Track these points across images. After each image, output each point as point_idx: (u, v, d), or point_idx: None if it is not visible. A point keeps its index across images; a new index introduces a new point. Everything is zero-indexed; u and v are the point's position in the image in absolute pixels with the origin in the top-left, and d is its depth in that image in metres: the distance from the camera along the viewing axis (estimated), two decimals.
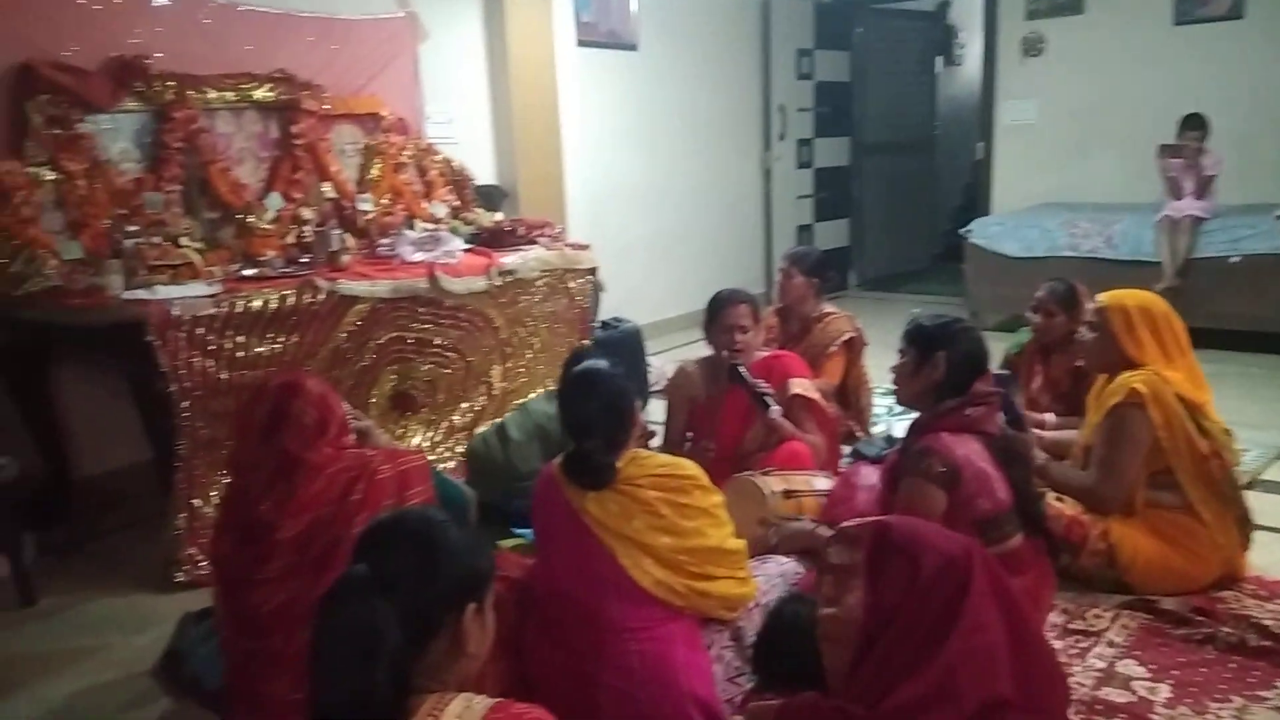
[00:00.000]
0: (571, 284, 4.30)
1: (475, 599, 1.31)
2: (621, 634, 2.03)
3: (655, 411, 4.00)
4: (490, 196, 5.01)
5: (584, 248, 4.37)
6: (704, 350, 3.33)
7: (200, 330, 3.02)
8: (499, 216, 4.64)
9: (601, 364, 2.27)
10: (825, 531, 2.45)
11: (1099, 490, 2.71)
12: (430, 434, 3.89)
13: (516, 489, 3.12)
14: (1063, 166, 6.88)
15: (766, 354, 3.34)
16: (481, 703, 1.24)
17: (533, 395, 4.07)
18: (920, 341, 2.42)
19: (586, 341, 4.41)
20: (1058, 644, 2.46)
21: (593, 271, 4.39)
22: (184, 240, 3.44)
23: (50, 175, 3.32)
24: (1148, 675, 2.31)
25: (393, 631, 1.19)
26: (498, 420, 3.70)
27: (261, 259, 3.62)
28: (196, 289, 3.14)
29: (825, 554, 1.58)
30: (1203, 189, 5.54)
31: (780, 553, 2.50)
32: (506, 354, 4.10)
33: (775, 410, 3.05)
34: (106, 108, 3.51)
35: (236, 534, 2.11)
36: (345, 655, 1.19)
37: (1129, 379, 2.68)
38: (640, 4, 6.14)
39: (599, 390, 2.17)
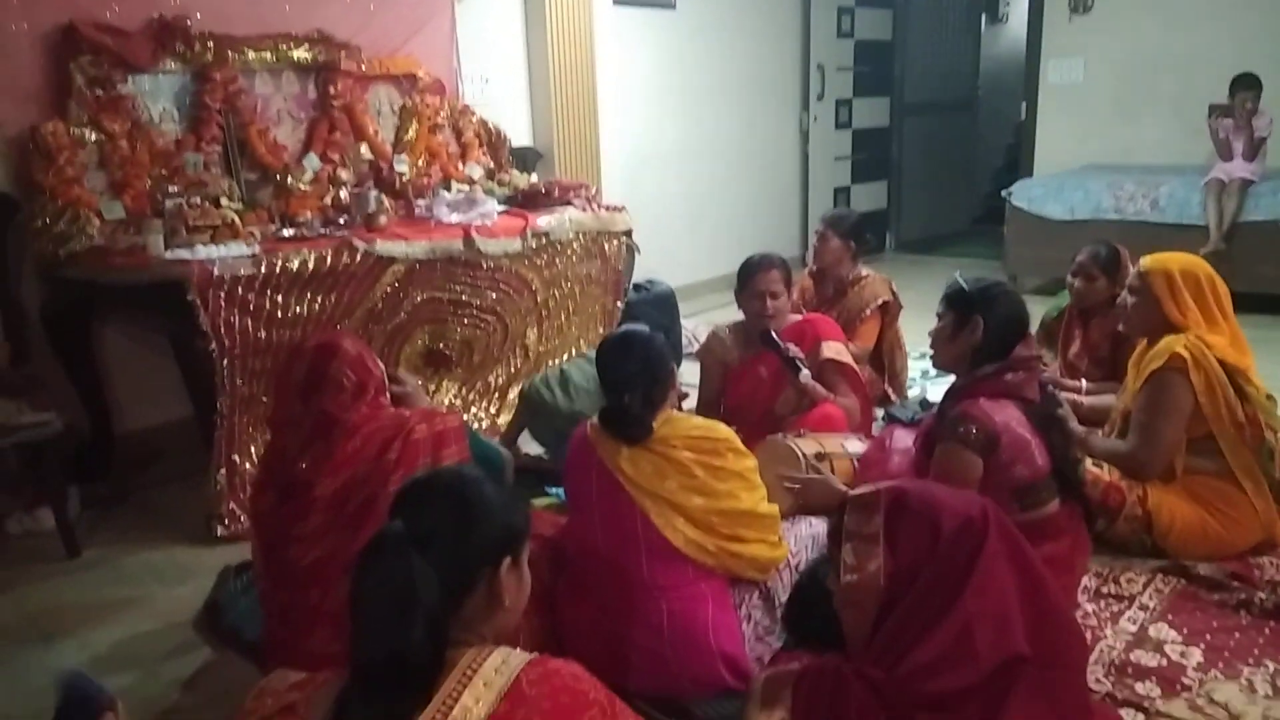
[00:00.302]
0: (606, 246, 4.29)
1: (511, 553, 1.33)
2: (652, 592, 2.06)
3: (688, 374, 4.00)
4: (525, 158, 5.00)
5: (619, 210, 4.36)
6: (737, 314, 3.32)
7: (240, 290, 3.06)
8: (534, 178, 4.63)
9: (642, 327, 2.30)
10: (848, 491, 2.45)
11: (1139, 456, 2.68)
12: (465, 392, 3.93)
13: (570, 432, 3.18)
14: (1109, 127, 6.72)
15: (799, 318, 3.33)
16: (519, 657, 1.26)
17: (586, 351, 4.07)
18: (959, 304, 2.39)
19: (620, 304, 4.42)
20: (1089, 606, 2.45)
21: (628, 233, 4.38)
22: (223, 201, 3.48)
23: (92, 136, 3.37)
24: (1180, 639, 2.30)
25: (430, 586, 1.21)
26: (557, 367, 3.70)
27: (299, 220, 3.65)
28: (236, 249, 3.17)
29: (841, 521, 1.58)
30: (1253, 151, 5.40)
31: (808, 511, 2.50)
32: (542, 316, 4.11)
33: (806, 374, 3.05)
34: (147, 68, 3.55)
35: (275, 491, 2.16)
36: (384, 610, 1.21)
37: (1171, 343, 2.64)
38: None
39: (637, 351, 2.19)
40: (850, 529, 1.57)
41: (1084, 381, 3.42)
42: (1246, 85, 5.43)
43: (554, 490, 3.08)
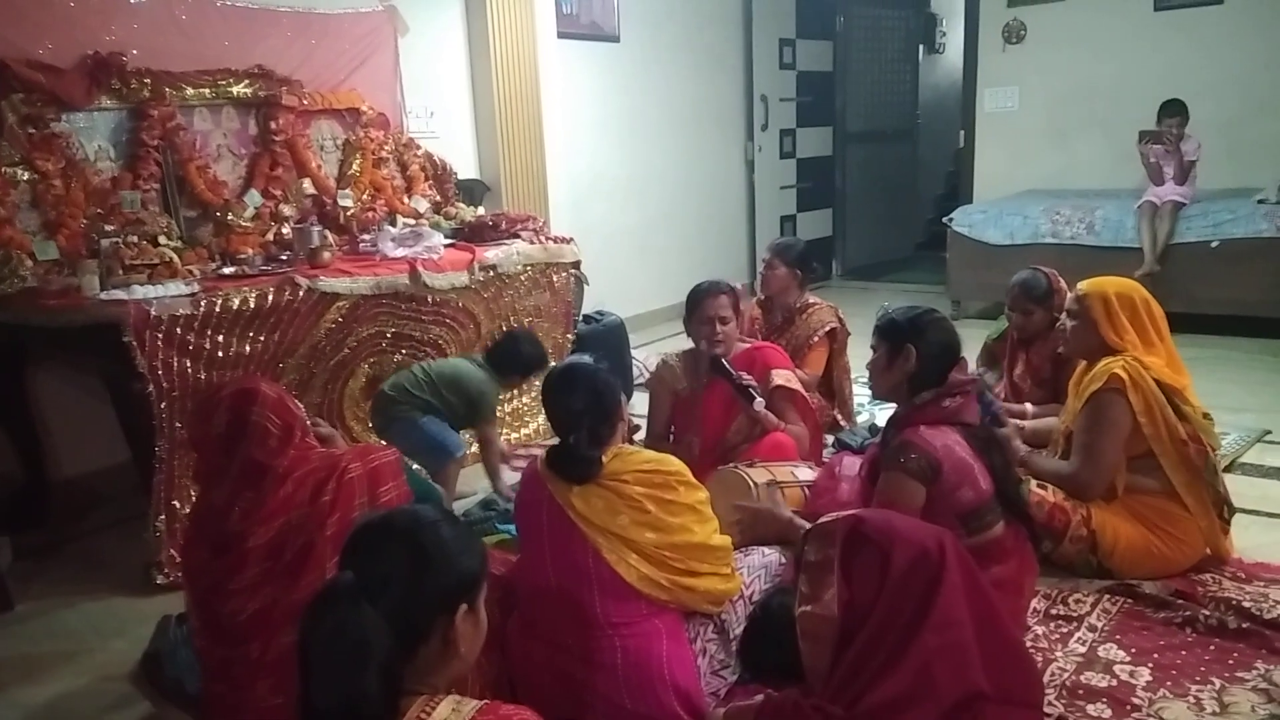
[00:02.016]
0: (555, 278, 4.28)
1: (467, 600, 1.30)
2: (605, 630, 2.03)
3: (638, 405, 3.99)
4: (472, 191, 4.99)
5: (567, 241, 4.36)
6: (688, 343, 3.33)
7: (178, 330, 2.99)
8: (481, 211, 4.62)
9: (587, 359, 2.28)
10: (803, 524, 2.45)
11: (1081, 476, 2.72)
12: None
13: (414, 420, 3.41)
14: (1044, 153, 6.90)
15: (748, 345, 3.35)
16: (469, 705, 1.23)
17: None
18: (891, 335, 2.41)
19: (570, 335, 4.40)
20: (1039, 629, 2.48)
21: (576, 265, 4.38)
22: (161, 239, 3.42)
23: (25, 175, 3.29)
24: (1128, 659, 2.32)
25: (383, 638, 1.18)
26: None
27: (241, 257, 3.60)
28: (174, 288, 3.11)
29: (802, 551, 1.58)
30: (1184, 174, 5.56)
31: (758, 541, 2.50)
32: (487, 349, 4.07)
33: (758, 402, 3.06)
34: (82, 106, 3.49)
35: (207, 545, 2.10)
36: (335, 663, 1.17)
37: (1109, 365, 2.70)
38: None
39: (584, 385, 2.17)
40: (808, 559, 1.56)
41: (1028, 405, 3.46)
42: (1173, 111, 5.60)
43: (504, 527, 3.05)
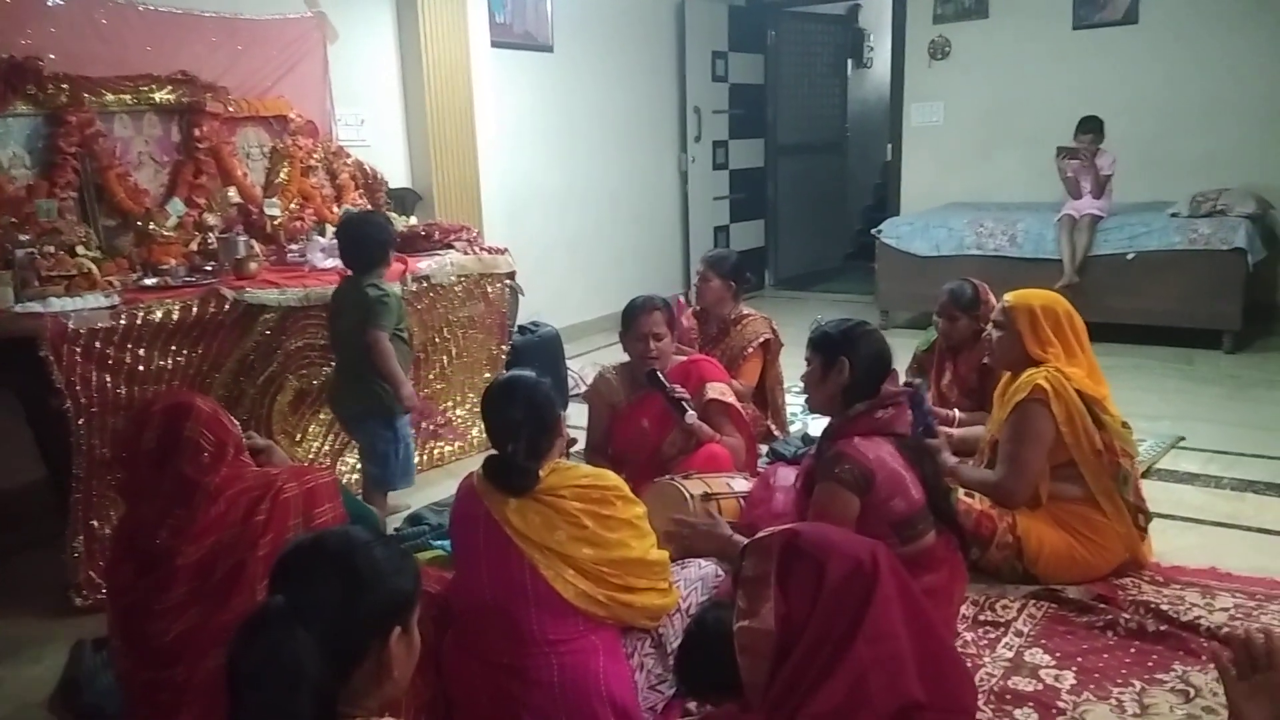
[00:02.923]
0: (489, 289, 4.25)
1: (400, 622, 1.28)
2: (542, 646, 2.02)
3: (573, 416, 3.98)
4: (404, 200, 4.93)
5: (501, 252, 4.33)
6: (623, 354, 3.33)
7: (97, 344, 2.90)
8: (413, 221, 4.56)
9: (528, 372, 2.27)
10: (740, 540, 2.47)
11: (1006, 484, 2.79)
12: (333, 440, 3.79)
13: None
14: (969, 167, 7.08)
15: (684, 359, 3.36)
16: None
17: None
18: (824, 347, 2.46)
19: (505, 347, 4.38)
20: (968, 635, 2.53)
21: (510, 276, 4.35)
22: (80, 249, 3.30)
23: None
24: (1053, 663, 2.39)
25: (315, 663, 1.16)
26: None
27: (163, 268, 3.49)
28: (93, 300, 3.01)
29: (740, 566, 1.59)
30: (1100, 189, 5.75)
31: (695, 554, 2.51)
32: (419, 360, 4.02)
33: (692, 415, 3.08)
34: None
35: (133, 563, 2.03)
36: (267, 689, 1.15)
37: (1032, 376, 2.77)
38: (555, 6, 6.12)
39: (523, 397, 2.16)
40: (745, 574, 1.57)
41: (956, 412, 3.55)
42: (1090, 127, 5.79)
43: (437, 544, 3.01)
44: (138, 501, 2.09)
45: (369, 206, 4.48)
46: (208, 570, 1.95)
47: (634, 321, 3.19)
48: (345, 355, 3.26)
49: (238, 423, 2.17)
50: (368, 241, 3.23)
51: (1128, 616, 2.55)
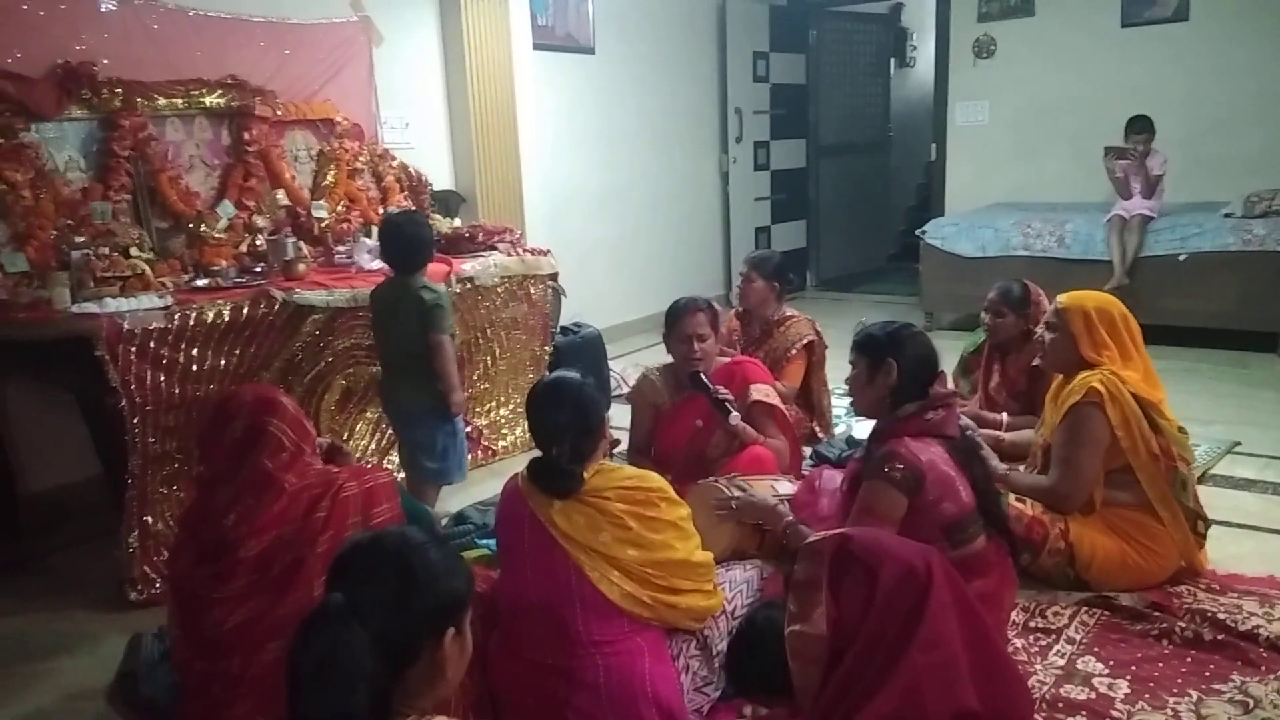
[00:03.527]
0: (532, 290, 4.27)
1: (454, 623, 1.29)
2: (588, 648, 2.02)
3: (616, 417, 3.98)
4: (448, 202, 4.97)
5: (544, 253, 4.35)
6: (666, 355, 3.33)
7: (151, 344, 2.95)
8: (457, 222, 4.60)
9: (573, 374, 2.26)
10: (785, 510, 2.46)
11: (1059, 489, 2.74)
12: (379, 439, 3.83)
13: None
14: (1014, 167, 6.98)
15: (727, 360, 3.35)
16: None
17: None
18: (870, 350, 2.43)
19: (548, 347, 4.39)
20: (1018, 642, 2.49)
21: (553, 277, 4.37)
22: (133, 251, 3.37)
23: None
24: (1106, 671, 2.34)
25: (371, 661, 1.17)
26: None
27: (214, 269, 3.55)
28: (147, 301, 3.07)
29: (791, 570, 1.58)
30: (1150, 189, 5.65)
31: (737, 519, 2.55)
32: (462, 360, 4.05)
33: (735, 416, 3.06)
34: (51, 116, 3.44)
35: (196, 551, 2.07)
36: (326, 686, 1.16)
37: (1087, 379, 2.72)
38: (597, 7, 6.13)
39: (569, 399, 2.16)
40: (796, 578, 1.56)
41: (1004, 416, 3.50)
42: (1140, 127, 5.68)
43: (483, 542, 3.02)
44: (211, 491, 2.12)
45: (413, 208, 4.53)
46: (268, 564, 1.98)
47: (677, 323, 3.18)
48: (399, 356, 3.23)
49: (314, 428, 2.21)
50: (417, 241, 3.23)
51: (1183, 625, 2.49)
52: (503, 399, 4.25)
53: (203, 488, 2.19)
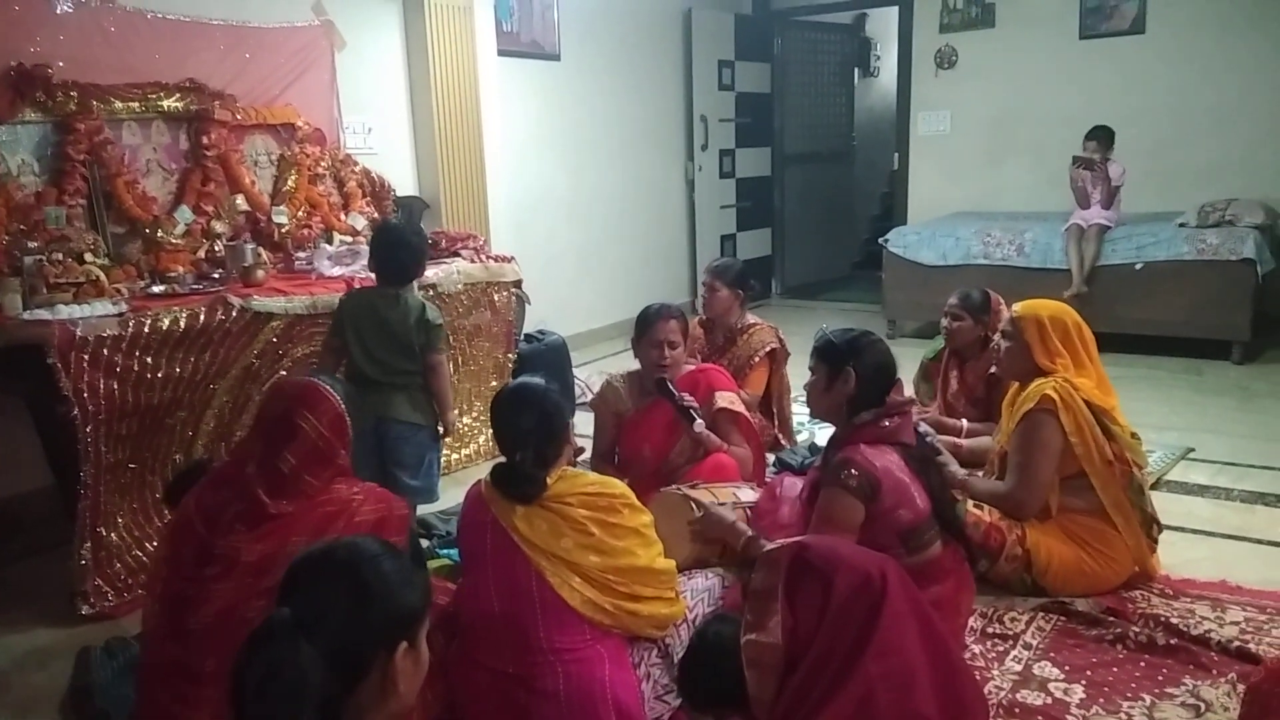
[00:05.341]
0: (495, 297, 4.25)
1: (407, 637, 1.26)
2: (549, 655, 2.02)
3: (580, 424, 3.97)
4: (411, 208, 4.93)
5: (508, 260, 4.33)
6: (630, 362, 3.33)
7: (105, 351, 2.89)
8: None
9: (537, 380, 2.27)
10: (744, 528, 2.47)
11: (1015, 495, 2.78)
12: None
13: None
14: (976, 176, 7.07)
15: (692, 367, 3.36)
16: None
17: None
18: (829, 357, 2.44)
19: (512, 355, 4.37)
20: (976, 647, 2.51)
21: (517, 284, 4.35)
22: (88, 257, 3.30)
23: None
24: (1062, 676, 2.37)
25: (320, 676, 1.15)
26: None
27: (171, 275, 3.50)
28: (101, 308, 3.01)
29: (748, 579, 1.58)
30: (1109, 198, 5.74)
31: (699, 537, 2.56)
32: None
33: (700, 424, 3.07)
34: (5, 119, 3.36)
35: (197, 550, 2.04)
36: (269, 702, 1.13)
37: (1040, 386, 2.76)
38: (562, 14, 6.13)
39: (533, 405, 2.17)
40: (754, 586, 1.56)
41: (964, 422, 3.54)
42: (1099, 137, 5.78)
43: (445, 552, 3.00)
44: (238, 465, 2.10)
45: (376, 215, 4.49)
46: (264, 570, 1.94)
47: (650, 328, 3.18)
48: (387, 372, 3.11)
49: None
50: (419, 253, 3.25)
51: (1138, 629, 2.53)
52: (465, 407, 4.23)
53: (233, 457, 2.19)
